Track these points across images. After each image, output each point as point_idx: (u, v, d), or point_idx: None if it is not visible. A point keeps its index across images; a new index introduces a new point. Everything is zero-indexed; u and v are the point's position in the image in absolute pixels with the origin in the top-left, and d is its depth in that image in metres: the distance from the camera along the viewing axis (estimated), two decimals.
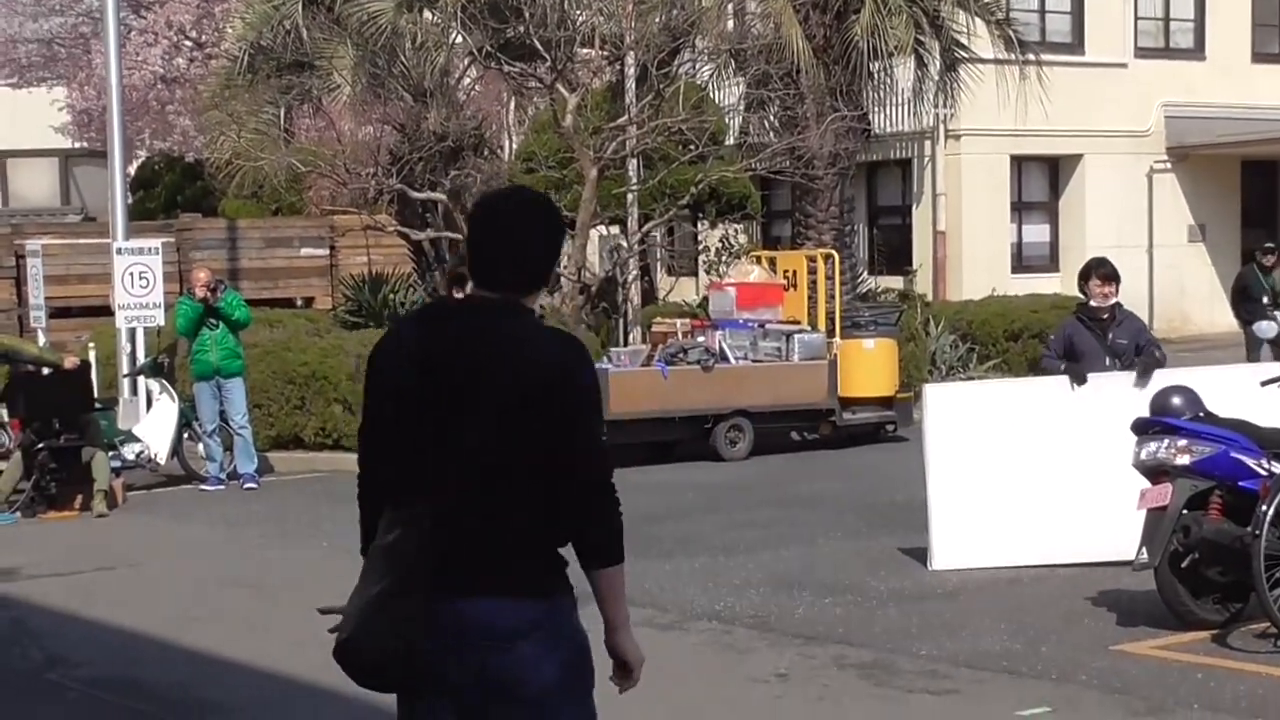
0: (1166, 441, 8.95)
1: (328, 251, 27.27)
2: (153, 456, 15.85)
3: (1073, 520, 10.57)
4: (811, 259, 19.14)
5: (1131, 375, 10.81)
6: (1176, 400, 9.28)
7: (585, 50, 21.72)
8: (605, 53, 21.77)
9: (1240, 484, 8.88)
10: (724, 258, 26.49)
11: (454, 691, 4.07)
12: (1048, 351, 11.68)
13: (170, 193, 33.64)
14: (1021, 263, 29.83)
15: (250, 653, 9.16)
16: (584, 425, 4.12)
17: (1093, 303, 11.36)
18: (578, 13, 21.08)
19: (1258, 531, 8.42)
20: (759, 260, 19.98)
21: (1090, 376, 10.92)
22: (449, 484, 4.06)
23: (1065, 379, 10.95)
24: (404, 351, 4.20)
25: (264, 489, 15.75)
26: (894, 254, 29.78)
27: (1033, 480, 10.73)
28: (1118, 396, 10.35)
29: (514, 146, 27.89)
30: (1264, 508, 8.47)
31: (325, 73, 21.39)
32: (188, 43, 29.41)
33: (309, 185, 24.56)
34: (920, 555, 11.23)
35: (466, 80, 24.04)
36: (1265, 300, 19.73)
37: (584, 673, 4.13)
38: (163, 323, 17.75)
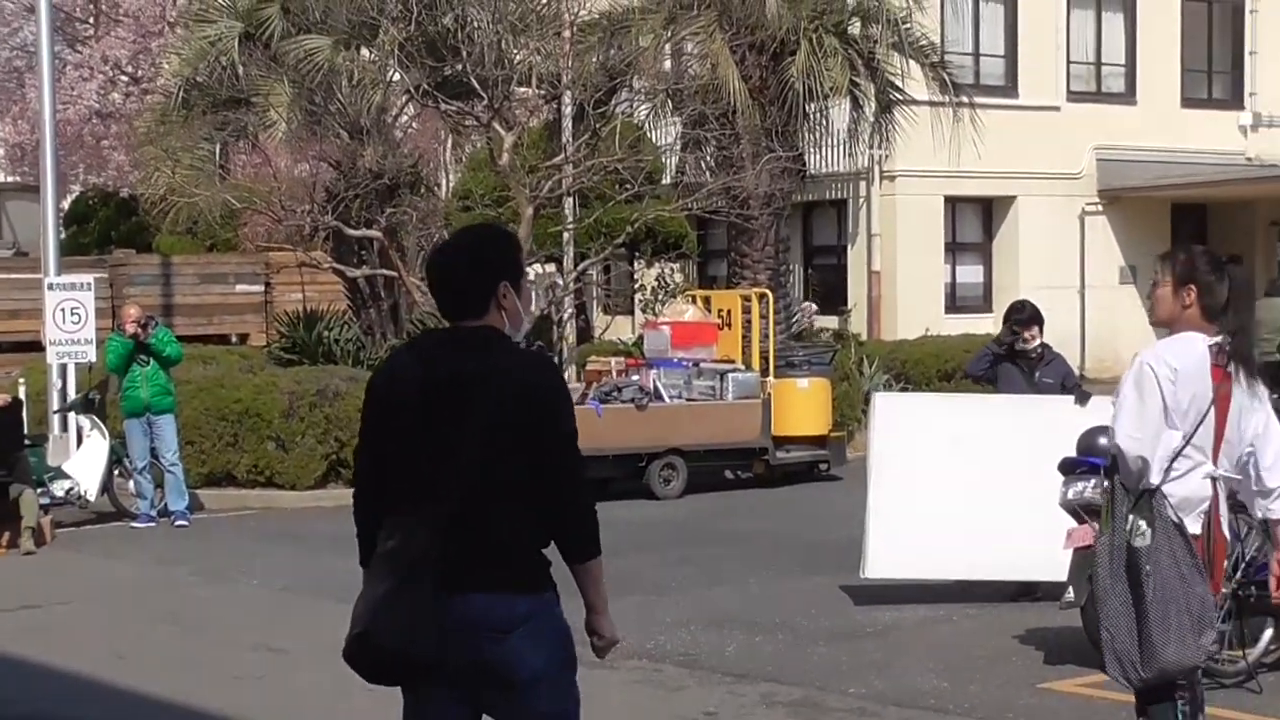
0: (1093, 481, 9.02)
1: (262, 288, 27.18)
2: (82, 493, 15.72)
3: (1005, 537, 10.55)
4: (746, 298, 19.23)
5: (1070, 399, 10.94)
6: (1103, 440, 9.31)
7: (522, 89, 21.79)
8: (542, 91, 21.85)
9: None
10: (659, 296, 26.59)
11: (452, 678, 4.55)
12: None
13: (104, 228, 33.47)
14: (955, 303, 30.05)
15: (181, 692, 9.09)
16: (561, 439, 4.67)
17: (1016, 345, 11.52)
18: (515, 52, 21.15)
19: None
20: (694, 299, 20.07)
21: (1032, 398, 11.03)
22: (447, 494, 4.55)
23: (1010, 399, 11.05)
24: (402, 376, 4.75)
25: (195, 526, 15.65)
26: (829, 293, 29.93)
27: (970, 494, 10.72)
28: (1057, 419, 10.42)
29: (450, 184, 27.93)
30: None
31: (261, 109, 21.37)
32: (123, 78, 29.34)
33: (244, 221, 24.53)
34: (853, 594, 11.28)
35: (403, 118, 24.08)
36: None
37: (567, 660, 4.65)
38: (94, 359, 17.64)
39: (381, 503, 4.73)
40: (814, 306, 28.40)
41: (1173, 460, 5.82)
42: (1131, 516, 5.78)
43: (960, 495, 10.71)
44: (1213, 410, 5.86)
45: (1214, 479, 5.93)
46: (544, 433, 4.64)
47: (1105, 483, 8.61)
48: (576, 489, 4.72)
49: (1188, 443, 5.83)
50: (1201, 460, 5.88)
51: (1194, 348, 5.87)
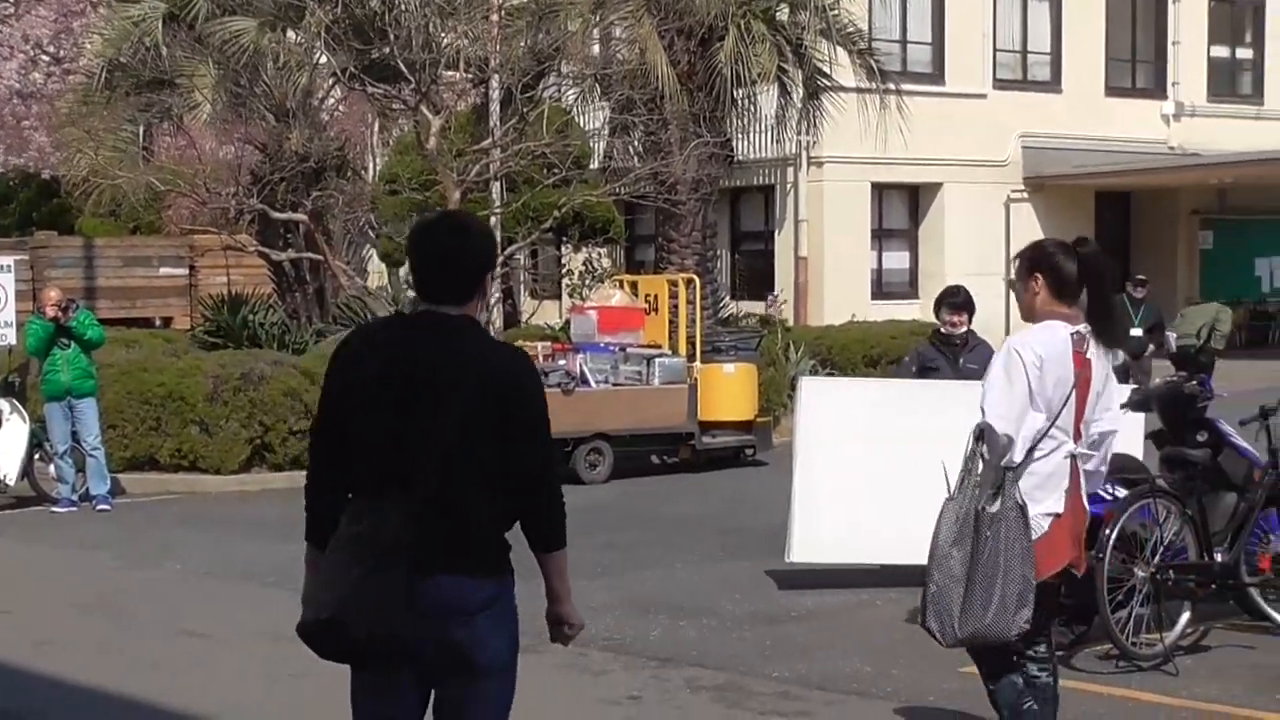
0: None
1: (187, 271, 27.01)
2: (2, 478, 15.57)
3: (929, 521, 10.55)
4: (673, 283, 19.26)
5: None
6: None
7: (450, 73, 21.72)
8: (470, 75, 21.79)
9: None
10: (586, 281, 26.58)
11: (415, 659, 4.62)
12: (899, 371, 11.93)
13: (25, 210, 33.14)
14: (881, 289, 30.22)
15: (105, 677, 9.02)
16: (534, 429, 4.73)
17: (943, 330, 11.56)
18: (443, 35, 21.08)
19: (1101, 555, 8.60)
20: (621, 284, 20.07)
21: (957, 384, 11.09)
22: (422, 480, 4.59)
23: (934, 385, 11.09)
24: (372, 357, 4.78)
25: (117, 511, 15.52)
26: (756, 279, 30.02)
27: (894, 478, 10.65)
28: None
29: (377, 168, 27.81)
30: (1107, 531, 8.65)
31: (186, 91, 21.20)
32: (45, 57, 29.02)
33: (168, 204, 24.33)
34: (777, 578, 11.34)
35: (330, 101, 23.95)
36: (1138, 331, 19.84)
37: (516, 649, 4.76)
38: (14, 342, 17.46)
39: (340, 481, 4.78)
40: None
41: (1037, 441, 6.24)
42: (987, 490, 6.16)
43: (885, 480, 10.72)
44: (1074, 394, 6.28)
45: (1074, 457, 6.35)
46: (517, 422, 4.69)
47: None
48: (548, 478, 4.79)
49: (1052, 424, 6.25)
50: (1064, 440, 6.31)
51: (1057, 335, 6.29)
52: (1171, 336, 19.93)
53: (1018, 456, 6.19)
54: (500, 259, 22.22)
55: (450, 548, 4.62)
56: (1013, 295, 25.32)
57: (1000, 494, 6.15)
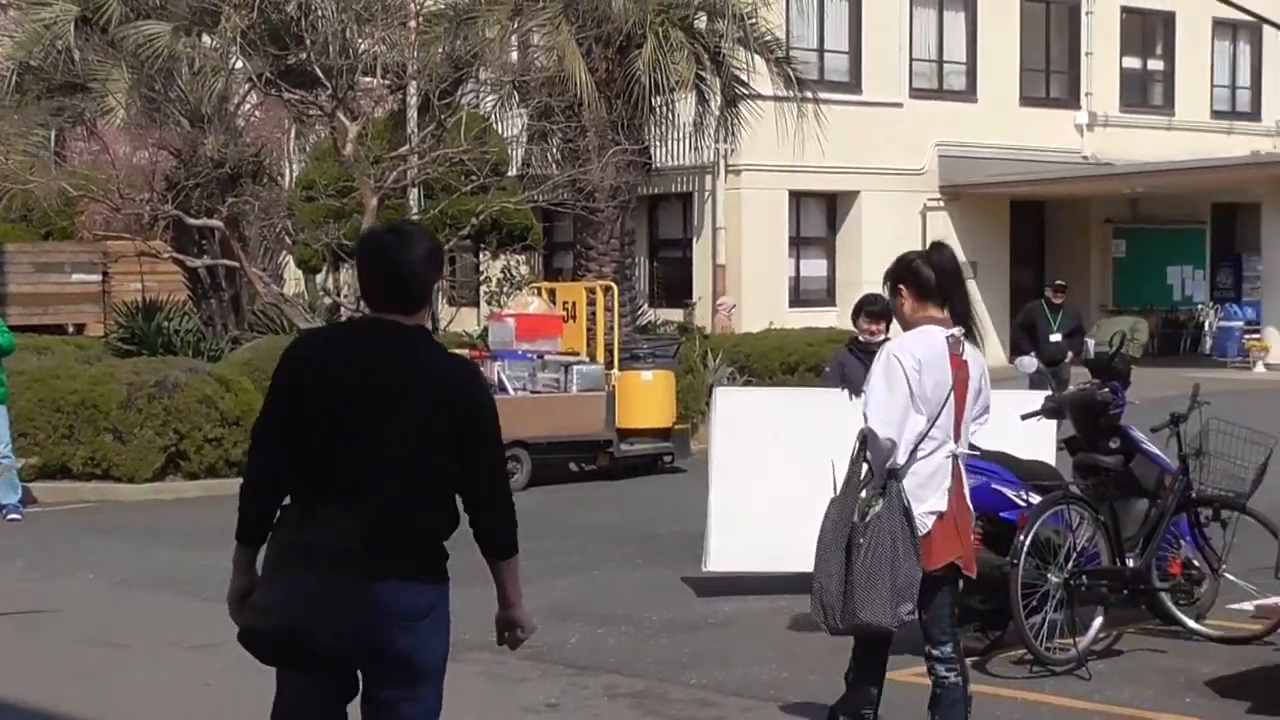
0: None
1: (100, 278, 26.75)
2: None
3: None
4: (591, 291, 19.26)
5: None
6: None
7: (367, 79, 21.64)
8: (387, 81, 21.72)
9: (1001, 514, 9.13)
10: (504, 289, 26.53)
11: (357, 664, 4.74)
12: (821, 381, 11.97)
13: None
14: (799, 297, 30.36)
15: (15, 690, 8.90)
16: (487, 438, 4.86)
17: (861, 338, 11.62)
18: (360, 41, 20.99)
19: (1015, 561, 8.67)
20: (539, 291, 20.05)
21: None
22: (376, 488, 4.67)
23: (845, 392, 11.12)
24: (325, 363, 4.85)
25: (29, 520, 15.32)
26: (674, 286, 30.07)
27: (811, 487, 10.63)
28: None
29: (294, 174, 27.65)
30: (1021, 538, 8.72)
31: (99, 95, 21.02)
32: None
33: (81, 210, 24.10)
34: (695, 585, 11.36)
35: (246, 106, 23.79)
36: (1057, 337, 19.88)
37: (447, 655, 4.88)
38: None
39: (280, 483, 4.83)
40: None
41: (919, 442, 6.50)
42: (867, 493, 6.46)
43: (800, 488, 10.72)
44: (953, 395, 6.54)
45: (955, 456, 6.62)
46: (471, 432, 4.81)
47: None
48: (501, 487, 4.92)
49: (932, 425, 6.51)
50: (944, 440, 6.56)
51: (934, 339, 6.56)
52: (1090, 342, 20.10)
53: (901, 459, 6.47)
54: None
55: (399, 554, 4.70)
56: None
57: (885, 494, 6.41)
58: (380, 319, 4.87)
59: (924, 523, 6.49)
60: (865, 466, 6.53)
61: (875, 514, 6.38)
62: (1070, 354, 19.78)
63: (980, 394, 6.73)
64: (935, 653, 6.70)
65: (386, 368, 4.77)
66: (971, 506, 6.86)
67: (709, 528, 10.97)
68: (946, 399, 6.51)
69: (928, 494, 6.52)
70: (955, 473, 6.62)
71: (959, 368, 6.58)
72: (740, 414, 11.27)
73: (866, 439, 6.52)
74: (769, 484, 10.82)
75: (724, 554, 10.93)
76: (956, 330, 6.63)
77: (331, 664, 4.73)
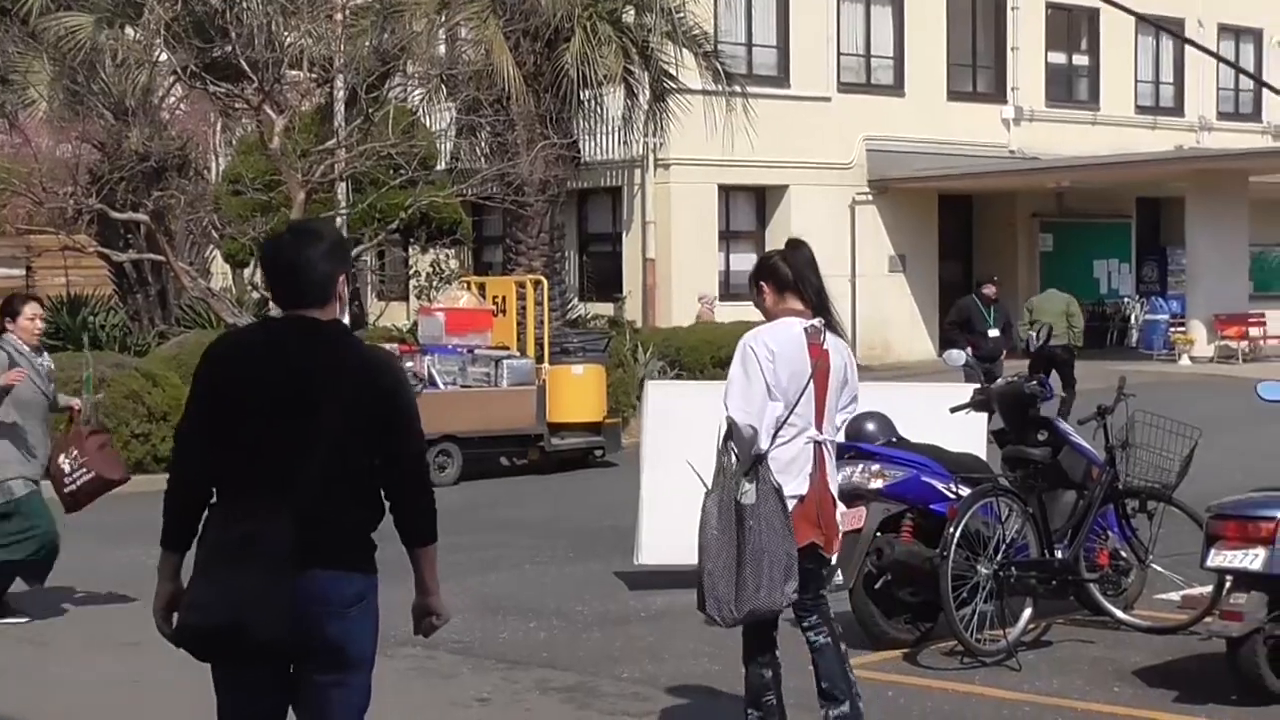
0: (861, 466, 9.20)
1: (24, 272, 26.48)
2: None
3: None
4: (521, 285, 19.22)
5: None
6: (870, 426, 9.54)
7: (294, 72, 21.50)
8: (314, 75, 21.59)
9: (931, 507, 9.18)
10: (434, 283, 26.43)
11: (290, 654, 4.80)
12: None
13: None
14: (729, 290, 30.36)
15: None
16: (409, 432, 4.98)
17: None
18: (286, 34, 20.84)
19: (945, 553, 8.71)
20: (469, 286, 19.99)
21: None
22: (303, 483, 4.75)
23: None
24: (248, 362, 4.92)
25: None
26: (604, 281, 30.05)
27: None
28: None
29: (220, 168, 27.43)
30: (951, 530, 8.76)
31: (20, 87, 20.79)
32: None
33: (3, 204, 23.77)
34: (627, 579, 11.35)
35: (170, 99, 23.59)
36: (995, 333, 19.79)
37: (376, 643, 4.97)
38: None
39: (208, 483, 4.91)
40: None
41: (778, 429, 6.76)
42: (740, 479, 6.63)
43: None
44: (812, 384, 6.81)
45: (818, 443, 6.87)
46: (391, 425, 4.91)
47: (875, 465, 8.91)
48: (422, 477, 5.05)
49: (791, 412, 6.77)
50: (804, 427, 6.82)
51: (789, 330, 6.86)
52: (1033, 335, 20.03)
53: (764, 444, 6.69)
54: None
55: (327, 546, 4.78)
56: (859, 296, 25.60)
57: (755, 480, 6.62)
58: (297, 316, 4.94)
59: (788, 504, 6.72)
60: (732, 456, 6.71)
61: (751, 497, 6.59)
62: (1005, 350, 19.84)
63: (846, 383, 6.99)
64: (803, 625, 7.06)
65: (306, 364, 4.86)
66: (836, 492, 7.08)
67: (640, 521, 10.96)
68: (805, 387, 6.77)
69: (788, 479, 6.75)
70: (819, 458, 6.88)
71: (819, 356, 6.85)
72: (672, 406, 11.26)
73: (730, 429, 6.72)
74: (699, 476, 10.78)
75: (655, 548, 10.92)
76: (816, 320, 6.91)
77: (269, 655, 4.78)
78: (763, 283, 7.07)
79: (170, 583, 4.97)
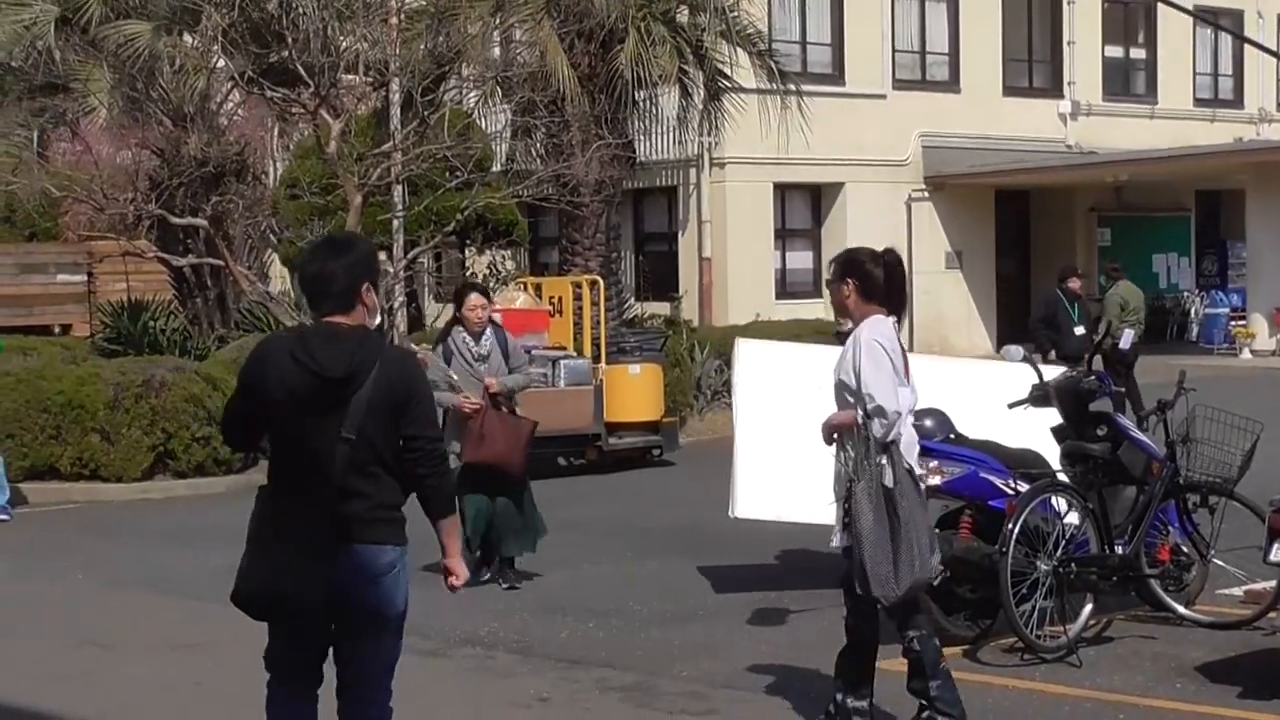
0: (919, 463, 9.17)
1: (85, 278, 26.68)
2: None
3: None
4: (577, 285, 19.25)
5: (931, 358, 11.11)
6: (929, 423, 9.50)
7: (349, 76, 21.58)
8: (370, 79, 21.66)
9: (989, 503, 9.15)
10: (491, 284, 26.46)
11: (331, 617, 5.63)
12: None
13: None
14: (785, 288, 30.35)
15: (6, 690, 8.88)
16: (426, 421, 5.72)
17: (846, 329, 11.59)
18: (341, 39, 20.93)
19: (1004, 549, 8.68)
20: (525, 287, 20.03)
21: None
22: (335, 470, 5.53)
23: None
24: (282, 364, 5.61)
25: (16, 521, 15.30)
26: (660, 280, 30.06)
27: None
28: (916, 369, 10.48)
29: (278, 172, 27.58)
30: (1010, 526, 8.73)
31: (81, 95, 20.95)
32: None
33: (65, 210, 24.03)
34: (683, 578, 11.35)
35: (228, 105, 23.72)
36: (1080, 330, 18.79)
37: (407, 606, 5.75)
38: None
39: (255, 438, 5.88)
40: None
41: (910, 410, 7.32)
42: (881, 464, 7.11)
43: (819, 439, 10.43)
44: (904, 371, 7.31)
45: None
46: (411, 417, 5.64)
47: (933, 462, 8.89)
48: (434, 461, 5.70)
49: (909, 392, 7.28)
50: (906, 413, 7.33)
51: (887, 325, 7.35)
52: (1130, 333, 19.25)
53: (903, 429, 7.20)
54: (403, 262, 22.15)
55: (361, 522, 5.57)
56: (915, 293, 25.34)
57: (893, 465, 7.11)
58: (324, 322, 5.66)
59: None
60: (868, 442, 7.14)
61: (893, 479, 7.09)
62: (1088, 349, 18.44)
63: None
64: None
65: (328, 366, 5.55)
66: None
67: (735, 475, 10.66)
68: (905, 375, 7.31)
69: (910, 456, 7.29)
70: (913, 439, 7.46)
71: (903, 349, 7.41)
72: (762, 364, 11.13)
73: (873, 416, 7.10)
74: (792, 434, 10.56)
75: (750, 502, 10.54)
76: (894, 319, 7.45)
77: (306, 618, 5.60)
78: (850, 279, 7.40)
79: None
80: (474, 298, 11.55)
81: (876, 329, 7.28)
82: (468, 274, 28.55)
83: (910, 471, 7.20)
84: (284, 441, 5.67)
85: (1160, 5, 35.14)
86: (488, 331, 11.51)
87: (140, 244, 23.00)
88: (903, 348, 7.40)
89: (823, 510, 10.63)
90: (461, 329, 11.46)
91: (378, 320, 5.86)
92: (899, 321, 7.47)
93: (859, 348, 7.24)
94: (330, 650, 5.79)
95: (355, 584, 5.57)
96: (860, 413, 7.19)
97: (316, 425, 5.55)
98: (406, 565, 5.73)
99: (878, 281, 7.36)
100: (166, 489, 16.89)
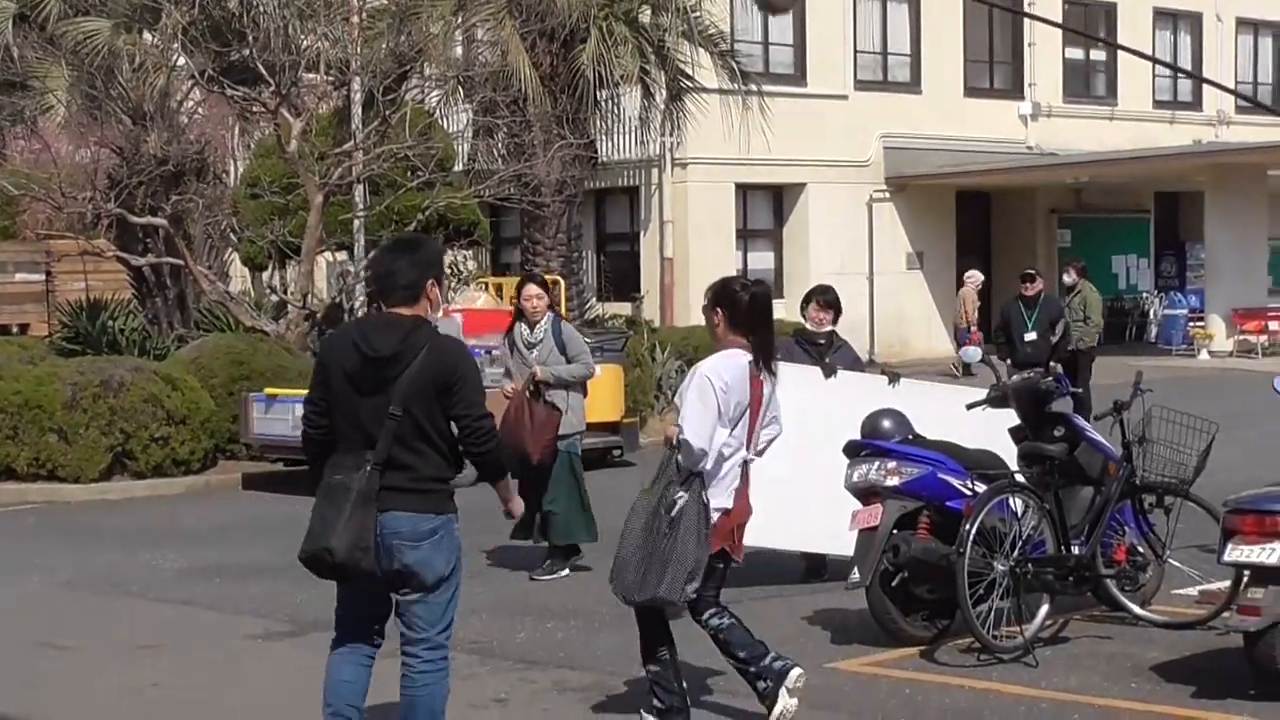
0: (877, 464, 9.22)
1: (43, 277, 26.52)
2: None
3: (814, 509, 10.37)
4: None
5: (875, 379, 11.13)
6: (887, 423, 9.56)
7: (311, 75, 21.53)
8: (331, 78, 21.62)
9: (947, 504, 9.18)
10: (452, 284, 26.41)
11: (379, 574, 6.36)
12: None
13: None
14: None
15: None
16: (473, 401, 6.39)
17: (809, 326, 11.64)
18: (302, 37, 20.88)
19: (962, 550, 8.71)
20: (486, 286, 20.01)
21: (848, 374, 11.13)
22: (383, 443, 6.28)
23: (843, 376, 11.08)
24: (344, 349, 6.43)
25: None
26: (621, 280, 30.07)
27: (801, 466, 10.38)
28: (862, 395, 10.50)
29: (238, 171, 27.48)
30: (967, 526, 8.77)
31: (39, 93, 20.85)
32: None
33: (23, 209, 23.90)
34: None
35: (189, 103, 23.64)
36: (1031, 336, 18.36)
37: (456, 564, 6.51)
38: None
39: (326, 441, 6.47)
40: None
41: (719, 450, 7.37)
42: (675, 488, 7.31)
43: (791, 466, 10.42)
44: (748, 412, 7.43)
45: (746, 461, 7.52)
46: (459, 397, 6.34)
47: (891, 463, 8.91)
48: (480, 435, 6.39)
49: (730, 435, 7.39)
50: (738, 448, 7.46)
51: (739, 362, 7.42)
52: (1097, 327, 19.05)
53: (709, 465, 7.35)
54: (364, 262, 22.08)
55: (404, 491, 6.30)
56: (876, 293, 25.38)
57: (688, 489, 7.30)
58: (385, 313, 6.47)
59: (711, 516, 7.36)
60: (675, 464, 7.38)
61: (681, 505, 7.28)
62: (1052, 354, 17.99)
63: (768, 406, 7.54)
64: (703, 617, 7.64)
65: (383, 351, 6.29)
66: (751, 505, 7.64)
67: None
68: (744, 414, 7.41)
69: (718, 494, 7.40)
70: (745, 475, 7.56)
71: (758, 387, 7.46)
72: None
73: (680, 444, 7.33)
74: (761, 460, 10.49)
75: None
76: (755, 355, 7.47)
77: (351, 574, 6.32)
78: (720, 308, 7.51)
79: None
80: (529, 288, 11.99)
81: (720, 365, 7.39)
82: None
83: (705, 507, 7.31)
84: (342, 417, 6.38)
85: (1120, 7, 35.38)
86: (544, 320, 11.84)
87: (99, 243, 22.89)
88: (760, 383, 7.41)
89: (786, 535, 10.69)
90: (522, 319, 11.90)
91: (439, 314, 6.57)
92: (767, 361, 7.46)
93: (692, 377, 7.45)
94: (387, 611, 6.56)
95: (398, 548, 6.29)
96: (676, 434, 7.39)
97: (368, 402, 6.30)
98: (453, 532, 6.44)
99: (742, 311, 7.44)
100: (125, 489, 16.81)
